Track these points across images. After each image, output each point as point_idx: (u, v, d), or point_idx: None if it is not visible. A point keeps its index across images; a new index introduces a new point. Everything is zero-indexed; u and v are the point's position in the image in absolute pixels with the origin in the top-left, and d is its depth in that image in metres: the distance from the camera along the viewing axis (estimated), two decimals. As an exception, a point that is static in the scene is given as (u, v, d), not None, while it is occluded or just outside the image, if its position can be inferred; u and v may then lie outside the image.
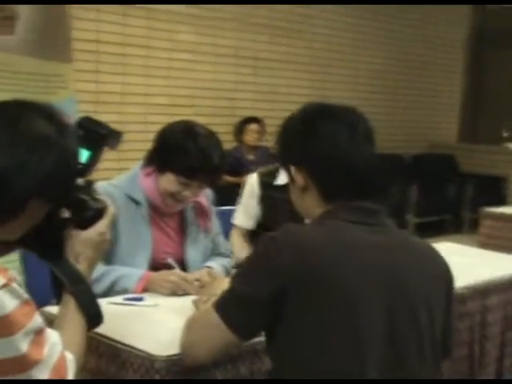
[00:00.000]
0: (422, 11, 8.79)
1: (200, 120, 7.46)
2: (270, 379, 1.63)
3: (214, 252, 2.74)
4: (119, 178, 2.63)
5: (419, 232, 7.72)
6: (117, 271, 2.40)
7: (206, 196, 2.72)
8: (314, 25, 7.66)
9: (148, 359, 1.72)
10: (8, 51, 3.12)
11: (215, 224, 2.79)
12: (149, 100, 6.49)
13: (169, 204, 2.52)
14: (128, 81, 6.32)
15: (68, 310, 1.49)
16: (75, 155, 1.45)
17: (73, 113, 3.42)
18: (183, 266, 2.56)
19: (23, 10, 3.15)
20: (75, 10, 5.94)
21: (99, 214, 1.54)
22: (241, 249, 3.15)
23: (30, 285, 2.50)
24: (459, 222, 8.51)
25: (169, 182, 2.46)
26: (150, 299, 2.24)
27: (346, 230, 1.60)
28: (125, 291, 2.34)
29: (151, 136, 2.57)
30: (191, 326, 1.66)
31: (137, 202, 2.52)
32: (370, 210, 1.65)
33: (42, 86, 3.24)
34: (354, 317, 1.52)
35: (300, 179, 1.67)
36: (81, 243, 1.52)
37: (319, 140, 1.65)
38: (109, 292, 2.35)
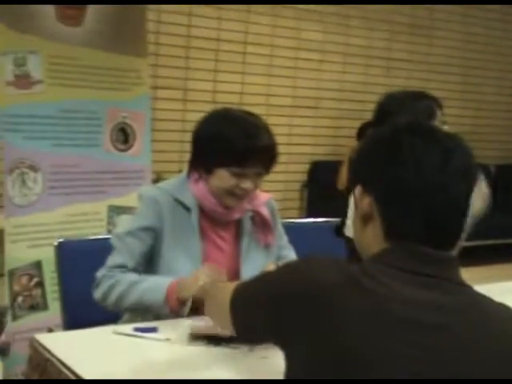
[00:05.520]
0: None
1: (324, 123, 6.93)
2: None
3: None
4: (166, 182, 2.32)
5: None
6: (144, 282, 2.11)
7: (268, 207, 2.35)
8: (452, 22, 7.07)
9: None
10: (75, 44, 2.92)
11: (281, 239, 2.42)
12: (270, 101, 6.22)
13: (229, 204, 2.19)
14: (248, 80, 6.08)
15: None
16: None
17: (146, 109, 3.20)
18: None
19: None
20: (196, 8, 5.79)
21: None
22: None
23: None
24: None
25: (221, 178, 2.15)
26: (164, 332, 1.88)
27: (383, 276, 1.21)
28: (154, 304, 2.05)
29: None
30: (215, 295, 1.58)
31: (187, 208, 2.20)
32: (434, 257, 1.24)
33: (113, 81, 3.03)
34: None
35: (364, 204, 1.31)
36: None
37: (401, 162, 1.26)
38: (139, 305, 2.09)
